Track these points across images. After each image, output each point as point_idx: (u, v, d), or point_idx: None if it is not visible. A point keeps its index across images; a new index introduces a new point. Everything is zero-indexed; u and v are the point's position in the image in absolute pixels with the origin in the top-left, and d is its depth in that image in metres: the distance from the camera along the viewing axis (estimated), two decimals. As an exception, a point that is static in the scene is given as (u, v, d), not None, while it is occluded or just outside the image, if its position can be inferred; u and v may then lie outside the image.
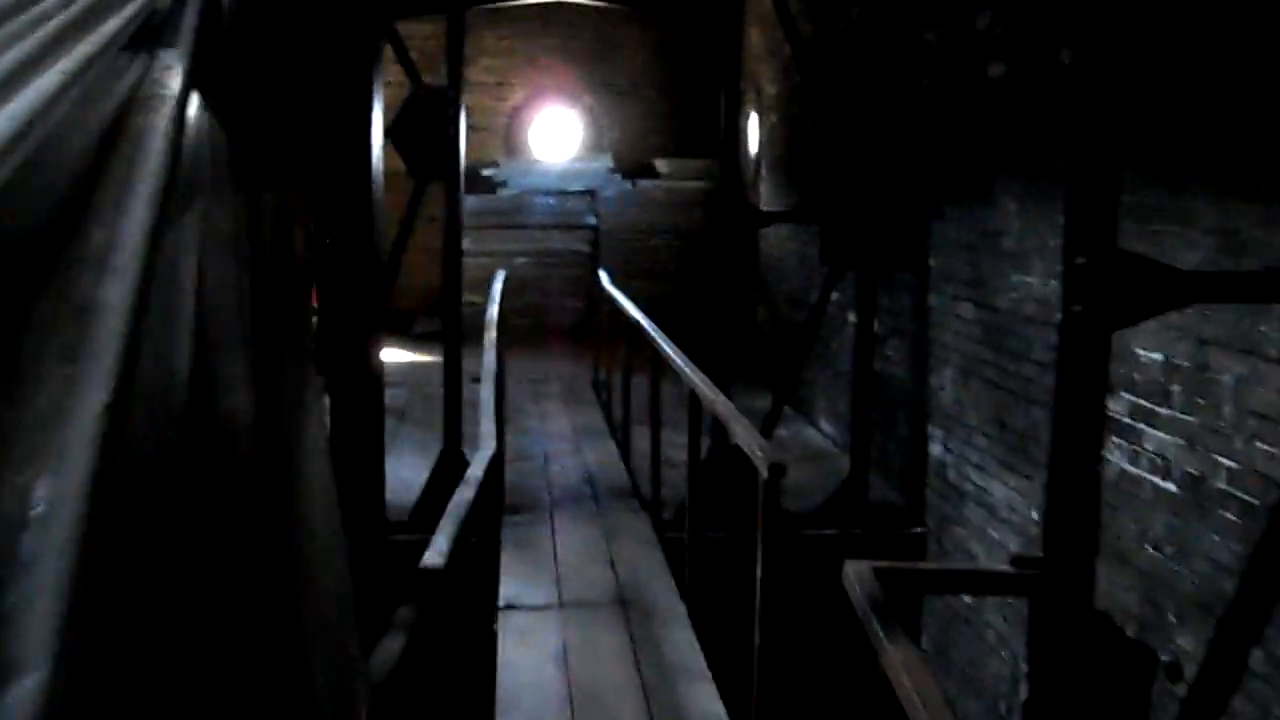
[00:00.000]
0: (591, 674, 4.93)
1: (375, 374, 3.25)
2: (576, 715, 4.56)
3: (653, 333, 7.19)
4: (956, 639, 7.22)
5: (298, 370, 1.80)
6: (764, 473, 3.95)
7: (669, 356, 6.50)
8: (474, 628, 5.43)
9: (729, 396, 8.05)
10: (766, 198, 12.55)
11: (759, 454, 4.05)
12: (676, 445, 9.05)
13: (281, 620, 1.59)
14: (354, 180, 2.97)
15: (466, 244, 15.55)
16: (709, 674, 5.00)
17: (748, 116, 14.61)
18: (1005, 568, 3.50)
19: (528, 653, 5.18)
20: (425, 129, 7.61)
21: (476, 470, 4.84)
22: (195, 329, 1.42)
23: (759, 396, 11.61)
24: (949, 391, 7.47)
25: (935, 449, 7.72)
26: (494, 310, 8.59)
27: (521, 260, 15.37)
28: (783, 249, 11.83)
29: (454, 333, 7.97)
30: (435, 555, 3.65)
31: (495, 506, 6.43)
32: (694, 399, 5.86)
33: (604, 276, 11.41)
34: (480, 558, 5.94)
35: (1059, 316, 6.21)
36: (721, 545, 7.47)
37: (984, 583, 4.18)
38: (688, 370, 6.00)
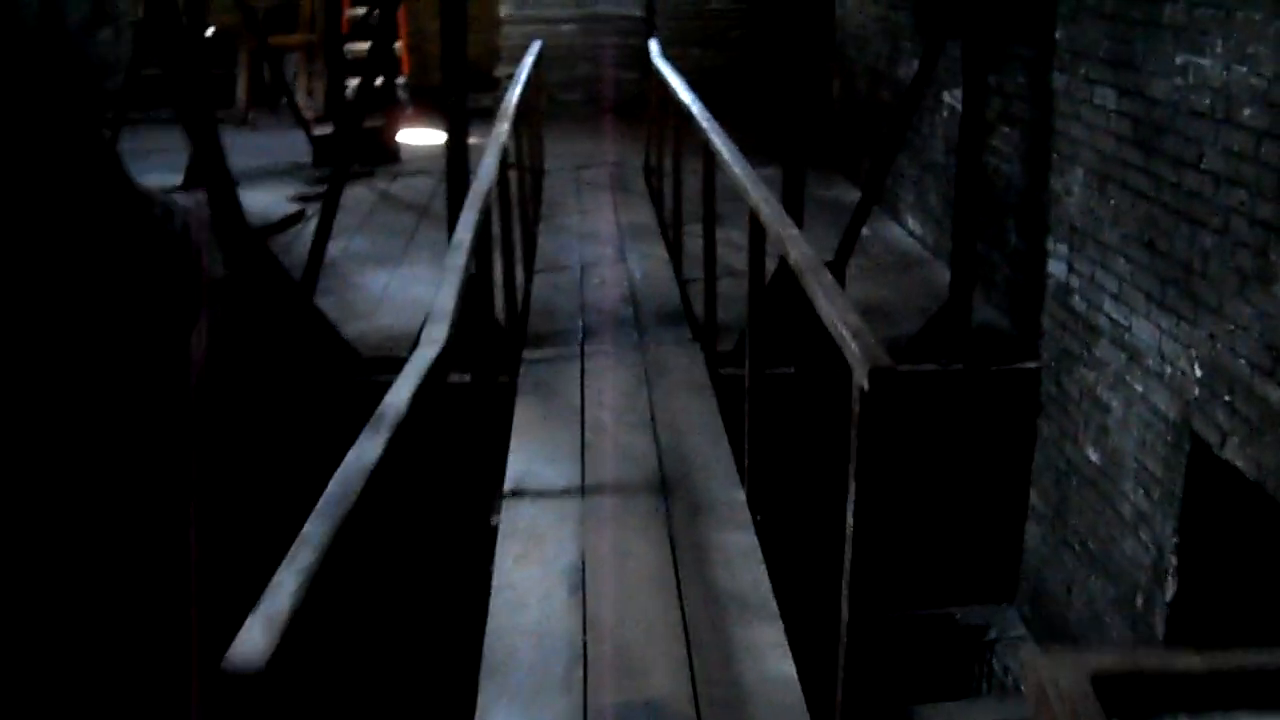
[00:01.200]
0: (615, 610, 3.67)
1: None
2: (590, 682, 3.32)
3: (707, 126, 5.71)
4: (1078, 504, 5.90)
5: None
6: (863, 381, 2.59)
7: (726, 164, 5.06)
8: (462, 526, 4.19)
9: (802, 184, 6.68)
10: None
11: (856, 350, 2.68)
12: (738, 247, 7.68)
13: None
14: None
15: (507, 9, 13.91)
16: (775, 608, 3.72)
17: None
18: None
19: (532, 571, 3.93)
20: None
21: (445, 302, 3.52)
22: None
23: (833, 184, 10.11)
24: (1078, 198, 5.97)
25: (1057, 267, 6.27)
26: (514, 95, 7.09)
27: (569, 27, 13.73)
28: (862, 12, 10.14)
29: (458, 115, 6.52)
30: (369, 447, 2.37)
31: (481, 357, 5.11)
32: (754, 222, 4.44)
33: (654, 47, 9.82)
34: (478, 415, 4.67)
35: (1247, 113, 4.72)
36: (790, 386, 6.17)
37: None
38: (748, 186, 4.56)
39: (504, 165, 5.65)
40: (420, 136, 12.62)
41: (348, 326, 6.72)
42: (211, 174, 6.09)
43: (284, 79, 14.21)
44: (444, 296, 3.60)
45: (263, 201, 9.59)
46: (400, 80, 13.70)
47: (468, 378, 4.80)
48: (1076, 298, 6.03)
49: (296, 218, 9.49)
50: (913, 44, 8.76)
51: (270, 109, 13.97)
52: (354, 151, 11.08)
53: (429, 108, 13.76)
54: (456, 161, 6.47)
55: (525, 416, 5.39)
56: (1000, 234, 7.04)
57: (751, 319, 4.65)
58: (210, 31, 13.52)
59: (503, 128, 6.18)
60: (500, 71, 13.58)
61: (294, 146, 11.40)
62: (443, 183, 9.10)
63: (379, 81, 11.33)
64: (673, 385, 5.72)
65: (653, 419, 5.33)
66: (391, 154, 11.30)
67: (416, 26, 14.62)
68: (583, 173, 10.60)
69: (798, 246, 3.73)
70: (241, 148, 11.60)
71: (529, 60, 9.05)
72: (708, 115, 6.15)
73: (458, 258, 3.99)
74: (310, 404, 6.03)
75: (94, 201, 5.74)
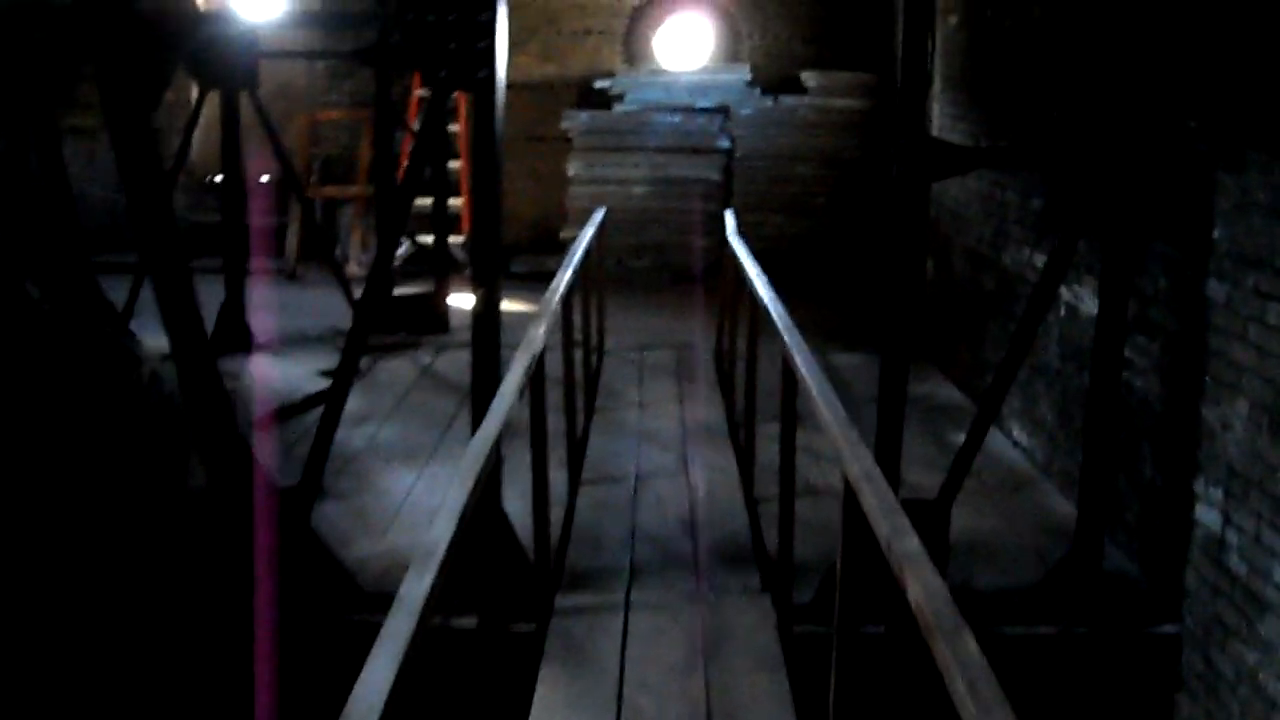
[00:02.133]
0: None
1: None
2: None
3: (789, 341, 4.71)
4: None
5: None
6: None
7: (804, 379, 4.04)
8: None
9: (900, 380, 5.63)
10: (939, 122, 9.85)
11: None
12: (818, 455, 6.64)
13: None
14: None
15: (575, 168, 13.11)
16: None
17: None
18: None
19: None
20: (433, 14, 5.11)
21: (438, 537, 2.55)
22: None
23: (925, 377, 9.02)
24: (1241, 436, 4.84)
25: (1208, 516, 5.11)
26: (568, 274, 6.15)
27: (640, 190, 12.90)
28: (963, 188, 9.16)
29: (489, 301, 5.56)
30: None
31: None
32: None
33: (730, 221, 8.89)
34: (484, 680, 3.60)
35: None
36: (880, 650, 5.02)
37: None
38: (831, 422, 3.52)
39: (540, 363, 4.64)
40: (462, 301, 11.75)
41: (354, 546, 5.70)
42: (187, 348, 5.09)
43: (335, 232, 13.52)
44: (439, 528, 2.90)
45: (290, 375, 8.69)
46: (457, 240, 12.90)
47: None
48: (1234, 557, 4.87)
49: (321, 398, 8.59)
50: (1022, 228, 7.74)
51: (323, 262, 13.20)
52: (395, 320, 10.28)
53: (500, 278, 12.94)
54: (485, 358, 5.48)
55: (547, 692, 4.28)
56: (1132, 462, 5.89)
57: (844, 573, 3.56)
58: (264, 179, 12.92)
59: (551, 306, 5.23)
60: (566, 233, 12.75)
61: (340, 307, 10.53)
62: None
63: (430, 240, 10.58)
64: (736, 659, 4.57)
65: (708, 712, 4.18)
66: (441, 322, 10.37)
67: (481, 183, 13.83)
68: (647, 355, 9.61)
69: (878, 498, 2.65)
70: (285, 304, 10.80)
71: (589, 231, 8.14)
72: (785, 316, 5.15)
73: (467, 478, 3.21)
74: (299, 647, 4.96)
75: (73, 362, 5.02)
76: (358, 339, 5.84)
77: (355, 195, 13.34)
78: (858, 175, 12.81)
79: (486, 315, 5.63)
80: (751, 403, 6.59)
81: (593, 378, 8.52)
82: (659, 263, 12.92)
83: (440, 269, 10.46)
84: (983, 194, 8.73)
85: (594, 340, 8.87)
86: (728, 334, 8.35)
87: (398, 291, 10.84)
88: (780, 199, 12.87)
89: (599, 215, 9.07)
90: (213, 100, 8.99)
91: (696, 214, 12.82)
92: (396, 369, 9.23)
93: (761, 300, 5.76)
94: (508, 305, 11.29)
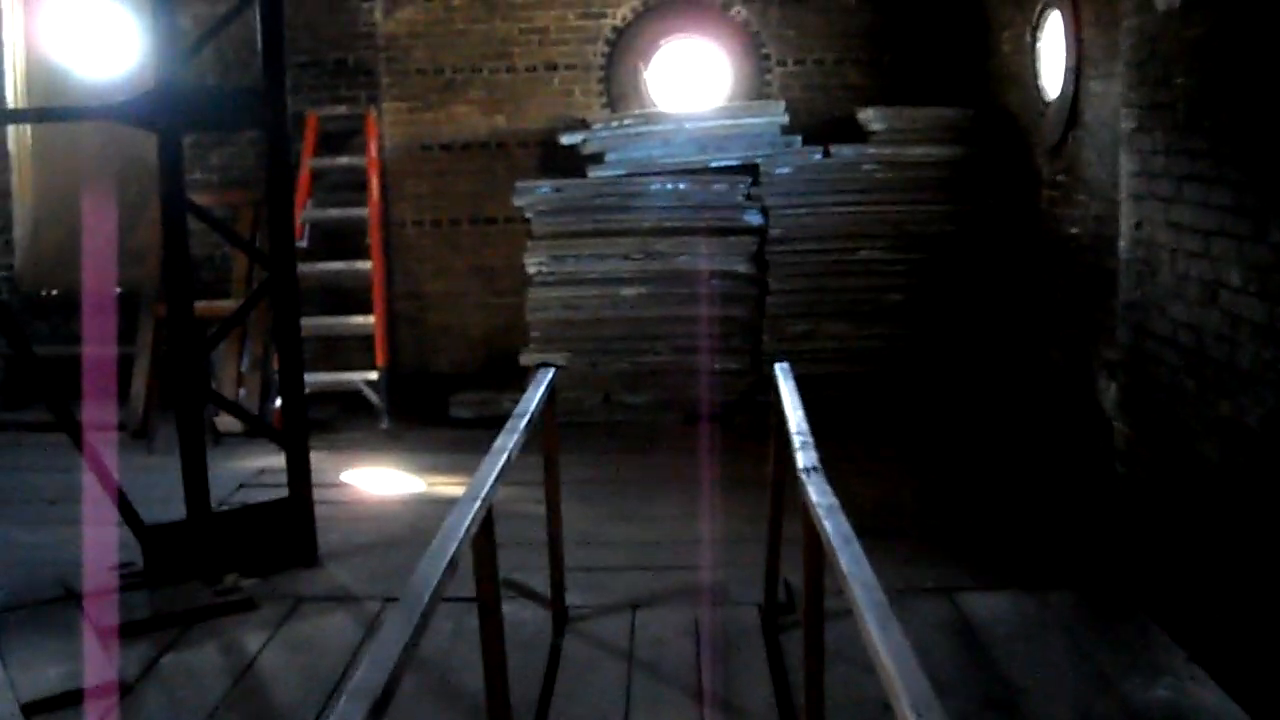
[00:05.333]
0: None
1: None
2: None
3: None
4: None
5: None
6: None
7: None
8: None
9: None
10: (1134, 182, 5.74)
11: None
12: None
13: None
14: None
15: (536, 263, 9.03)
16: None
17: (1040, 24, 7.91)
18: None
19: None
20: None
21: None
22: None
23: (1151, 657, 4.90)
24: None
25: None
26: (489, 481, 3.67)
27: (632, 292, 8.85)
28: (1185, 272, 5.06)
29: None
30: None
31: None
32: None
33: (781, 378, 4.90)
34: None
35: None
36: None
37: None
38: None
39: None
40: (387, 483, 7.69)
41: None
42: None
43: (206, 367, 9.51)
44: None
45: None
46: (369, 376, 8.90)
47: None
48: None
49: (70, 699, 4.68)
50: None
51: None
52: (225, 549, 6.26)
53: (420, 421, 8.94)
54: None
55: None
56: None
57: None
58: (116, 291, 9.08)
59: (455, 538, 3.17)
60: (529, 358, 8.75)
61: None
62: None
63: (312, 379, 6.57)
64: None
65: None
66: (302, 549, 6.27)
67: (411, 288, 9.88)
68: (643, 628, 5.40)
69: None
70: (123, 490, 6.65)
71: (534, 399, 4.45)
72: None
73: None
74: None
75: None
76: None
77: (230, 313, 9.35)
78: (949, 256, 8.73)
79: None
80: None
81: (538, 706, 4.53)
82: (661, 399, 8.82)
83: (294, 448, 6.34)
84: (1206, 278, 4.67)
85: (549, 584, 5.37)
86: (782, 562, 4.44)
87: (227, 502, 6.99)
88: (838, 298, 8.78)
89: (546, 377, 5.11)
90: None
91: (716, 323, 8.76)
92: (195, 666, 5.13)
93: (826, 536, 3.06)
94: (429, 484, 7.32)
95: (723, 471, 7.19)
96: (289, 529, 6.17)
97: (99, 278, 9.06)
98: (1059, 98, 7.41)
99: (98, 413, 7.69)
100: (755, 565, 5.52)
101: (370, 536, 6.57)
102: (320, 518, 6.34)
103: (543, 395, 4.96)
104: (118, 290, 9.24)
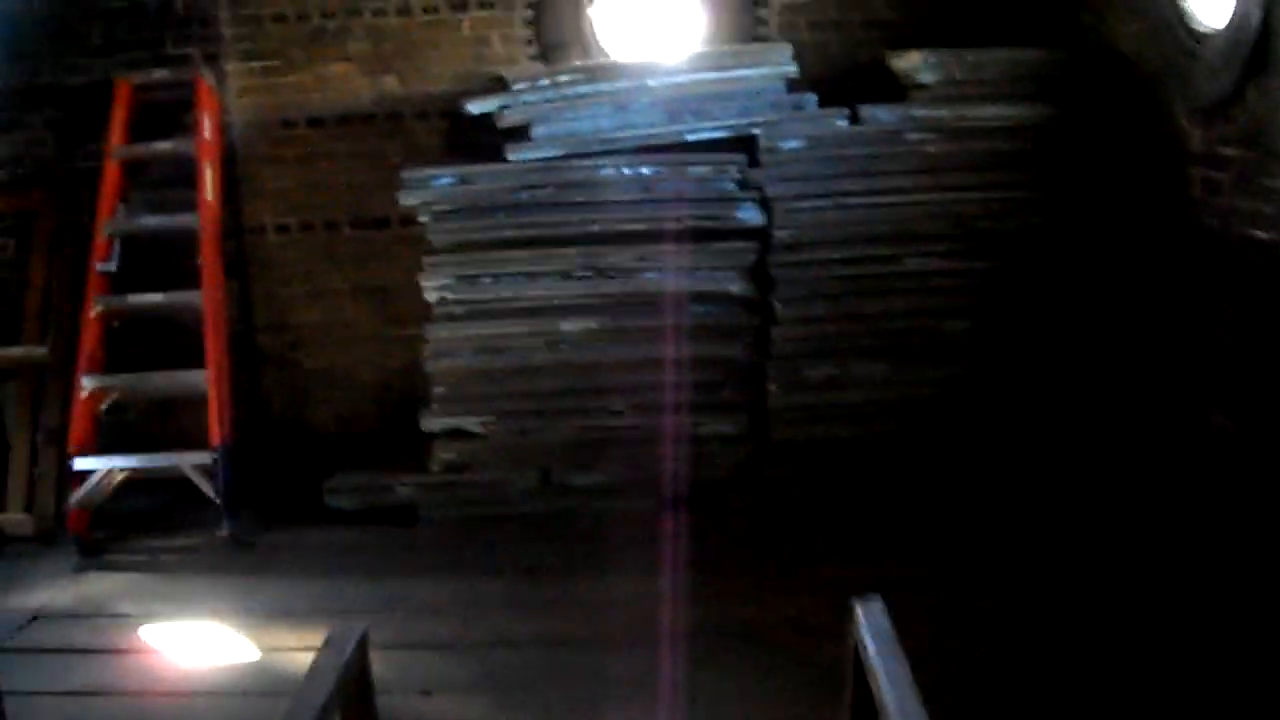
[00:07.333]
0: None
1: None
2: None
3: None
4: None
5: None
6: None
7: None
8: None
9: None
10: None
11: None
12: None
13: None
14: None
15: (436, 286, 5.95)
16: None
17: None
18: None
19: None
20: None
21: None
22: None
23: None
24: None
25: None
26: None
27: (575, 327, 6.18)
28: None
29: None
30: None
31: None
32: None
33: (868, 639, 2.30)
34: None
35: None
36: None
37: None
38: None
39: None
40: (199, 648, 5.05)
41: None
42: None
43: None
44: None
45: None
46: (199, 459, 6.28)
47: None
48: None
49: None
50: None
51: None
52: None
53: (285, 513, 6.32)
54: None
55: None
56: None
57: None
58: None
59: None
60: (432, 422, 6.11)
61: None
62: None
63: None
64: None
65: None
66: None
67: (276, 318, 7.22)
68: None
69: None
70: None
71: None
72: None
73: None
74: None
75: None
76: None
77: (21, 361, 6.75)
78: (1036, 265, 6.06)
79: None
80: None
81: None
82: (622, 479, 6.16)
83: None
84: None
85: None
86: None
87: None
88: (875, 328, 6.12)
89: (353, 638, 2.43)
90: None
91: (698, 369, 6.11)
92: None
93: None
94: (267, 650, 4.73)
95: (718, 614, 4.64)
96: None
97: None
98: (1230, 27, 4.71)
99: None
100: None
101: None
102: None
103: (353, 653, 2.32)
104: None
